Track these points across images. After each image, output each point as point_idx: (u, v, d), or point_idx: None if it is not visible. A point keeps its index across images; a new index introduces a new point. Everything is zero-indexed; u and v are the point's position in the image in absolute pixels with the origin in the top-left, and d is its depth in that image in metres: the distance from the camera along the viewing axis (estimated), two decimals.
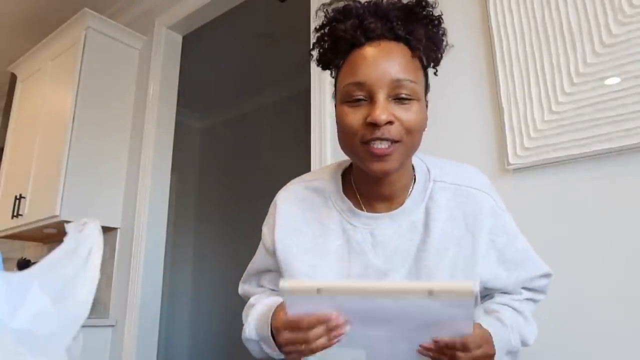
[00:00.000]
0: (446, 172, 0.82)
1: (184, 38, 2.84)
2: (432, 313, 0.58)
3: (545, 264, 0.86)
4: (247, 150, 4.25)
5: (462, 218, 0.77)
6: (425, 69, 0.76)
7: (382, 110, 0.68)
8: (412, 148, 0.73)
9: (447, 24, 1.47)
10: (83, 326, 0.42)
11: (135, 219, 2.50)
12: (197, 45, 3.20)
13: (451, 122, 1.46)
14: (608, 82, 1.18)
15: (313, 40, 0.80)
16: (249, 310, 0.85)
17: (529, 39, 1.33)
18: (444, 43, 0.77)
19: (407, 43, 0.73)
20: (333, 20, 0.76)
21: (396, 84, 0.69)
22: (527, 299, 0.86)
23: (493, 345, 0.69)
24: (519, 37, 1.35)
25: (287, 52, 3.43)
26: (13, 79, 3.27)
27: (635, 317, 1.07)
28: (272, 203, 0.89)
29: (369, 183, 0.79)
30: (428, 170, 0.82)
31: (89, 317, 0.43)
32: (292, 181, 0.91)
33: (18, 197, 2.66)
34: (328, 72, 0.81)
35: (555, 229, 1.22)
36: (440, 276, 0.74)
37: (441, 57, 0.79)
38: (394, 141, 0.70)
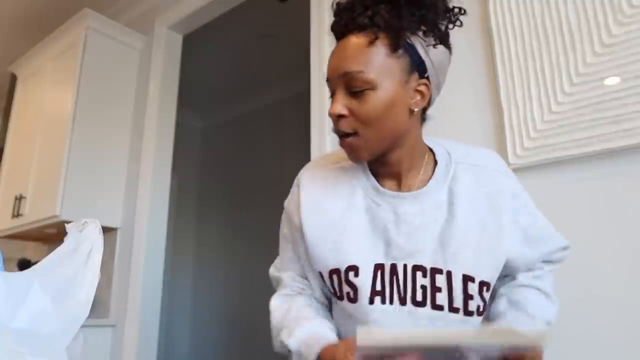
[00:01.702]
0: (466, 154, 0.83)
1: (184, 38, 2.84)
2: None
3: (562, 236, 0.88)
4: (248, 150, 4.25)
5: (484, 198, 0.78)
6: (396, 48, 0.72)
7: (335, 106, 0.73)
8: (377, 134, 0.73)
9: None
10: (83, 326, 0.42)
11: (135, 219, 2.50)
12: (197, 45, 3.20)
13: (451, 122, 1.45)
14: (608, 82, 1.18)
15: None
16: (287, 314, 0.82)
17: (529, 39, 1.33)
18: (428, 21, 0.72)
19: (368, 30, 0.72)
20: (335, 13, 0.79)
21: (345, 77, 0.72)
22: (548, 271, 0.89)
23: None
24: (519, 37, 1.35)
25: (287, 52, 3.43)
26: (13, 79, 3.27)
27: (637, 318, 1.07)
28: (295, 182, 0.89)
29: (375, 162, 0.80)
30: (448, 153, 0.82)
31: (89, 317, 0.43)
32: (315, 160, 0.91)
33: (18, 197, 2.66)
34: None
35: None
36: (464, 256, 0.74)
37: (437, 32, 0.74)
38: (349, 134, 0.73)
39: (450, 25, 0.77)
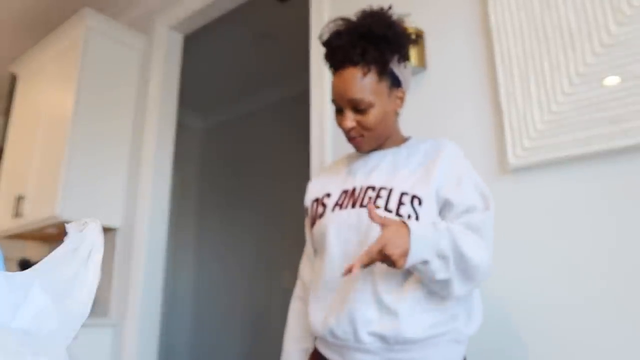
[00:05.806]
0: (432, 139, 1.10)
1: (185, 38, 2.84)
2: None
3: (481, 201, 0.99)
4: (249, 150, 4.25)
5: (427, 151, 1.05)
6: (382, 75, 1.00)
7: (346, 122, 1.02)
8: (377, 135, 1.04)
9: (447, 24, 1.48)
10: (83, 326, 0.42)
11: (135, 219, 2.50)
12: (198, 45, 3.20)
13: (451, 122, 1.46)
14: (607, 82, 1.18)
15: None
16: (286, 330, 1.19)
17: (529, 39, 1.33)
18: (398, 50, 1.01)
19: (362, 65, 0.98)
20: (325, 44, 1.04)
21: (351, 102, 1.00)
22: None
23: (407, 240, 0.83)
24: (519, 37, 1.35)
25: (286, 52, 3.43)
26: (13, 79, 3.27)
27: (637, 318, 1.07)
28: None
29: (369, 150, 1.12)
30: (421, 140, 1.11)
31: (89, 317, 0.43)
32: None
33: (18, 197, 2.67)
34: (327, 73, 1.08)
35: (555, 229, 1.22)
36: (406, 182, 0.99)
37: (403, 56, 1.03)
38: (359, 136, 1.04)
39: (411, 46, 1.06)
